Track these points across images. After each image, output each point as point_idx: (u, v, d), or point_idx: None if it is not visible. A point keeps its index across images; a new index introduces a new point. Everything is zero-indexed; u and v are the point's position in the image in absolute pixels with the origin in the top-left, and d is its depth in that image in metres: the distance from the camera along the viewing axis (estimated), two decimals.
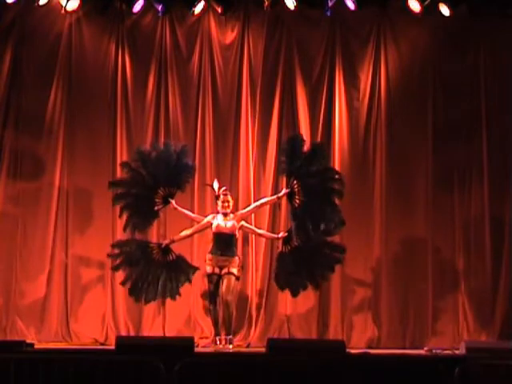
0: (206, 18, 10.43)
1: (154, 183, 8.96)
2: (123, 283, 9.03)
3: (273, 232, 9.71)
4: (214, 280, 8.76)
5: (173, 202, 8.96)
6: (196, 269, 9.03)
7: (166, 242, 9.03)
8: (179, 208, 9.03)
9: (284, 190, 8.99)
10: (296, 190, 8.87)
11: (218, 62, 10.42)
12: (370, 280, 10.16)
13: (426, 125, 10.36)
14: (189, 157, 9.22)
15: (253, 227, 9.38)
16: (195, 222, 9.19)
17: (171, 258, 8.97)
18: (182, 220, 9.38)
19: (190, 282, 9.00)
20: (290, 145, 9.06)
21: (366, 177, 10.34)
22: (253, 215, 9.79)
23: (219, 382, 5.74)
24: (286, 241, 9.01)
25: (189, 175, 9.13)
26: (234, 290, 8.80)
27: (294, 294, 9.11)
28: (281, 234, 9.14)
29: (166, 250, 8.97)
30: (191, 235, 9.26)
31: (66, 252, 10.06)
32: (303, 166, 8.89)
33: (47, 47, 10.31)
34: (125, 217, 9.01)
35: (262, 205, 9.36)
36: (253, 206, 9.35)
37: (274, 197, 9.28)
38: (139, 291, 8.88)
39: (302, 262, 8.90)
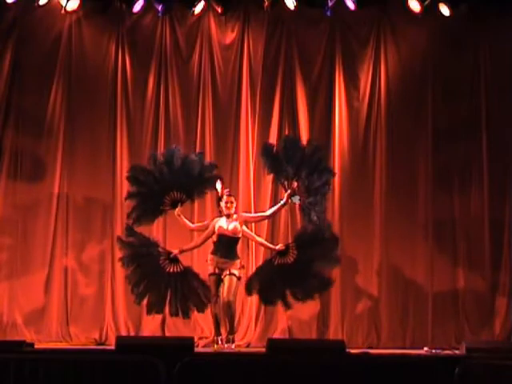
0: (205, 17, 10.43)
1: (170, 185, 8.73)
2: (136, 295, 8.73)
3: (272, 239, 9.67)
4: (215, 280, 8.67)
5: (178, 208, 8.74)
6: (208, 289, 8.69)
7: (176, 252, 8.78)
8: (182, 216, 8.78)
9: (285, 195, 8.78)
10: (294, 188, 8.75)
11: (217, 62, 10.43)
12: (370, 280, 10.16)
13: (426, 125, 10.36)
14: (213, 172, 8.91)
15: (253, 234, 9.18)
16: (195, 231, 9.16)
17: (179, 269, 8.75)
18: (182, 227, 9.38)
19: (203, 312, 8.84)
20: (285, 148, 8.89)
21: (366, 177, 10.34)
22: (252, 209, 9.88)
23: (219, 381, 5.74)
24: (281, 254, 8.83)
25: (208, 189, 8.92)
26: (235, 291, 8.69)
27: (265, 302, 9.02)
28: (278, 246, 8.91)
29: (174, 260, 8.76)
30: (200, 245, 9.06)
31: (66, 252, 10.07)
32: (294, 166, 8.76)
33: (47, 47, 10.31)
34: (132, 204, 8.81)
35: (270, 216, 9.17)
36: (260, 214, 9.22)
37: (279, 205, 8.95)
38: (144, 298, 8.69)
39: (284, 280, 8.71)
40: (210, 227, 8.82)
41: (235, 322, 8.91)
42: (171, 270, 8.71)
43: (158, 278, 8.69)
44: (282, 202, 8.87)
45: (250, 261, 9.92)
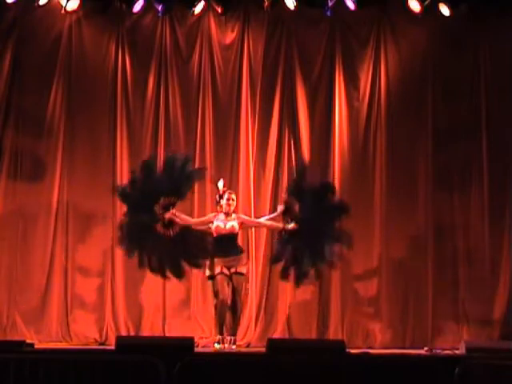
0: (205, 17, 10.44)
1: (157, 194, 8.67)
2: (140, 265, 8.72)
3: (272, 237, 9.63)
4: (223, 280, 8.61)
5: (173, 211, 8.68)
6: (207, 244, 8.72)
7: (168, 215, 8.65)
8: (177, 215, 8.69)
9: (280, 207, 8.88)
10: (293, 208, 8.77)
11: (217, 62, 10.43)
12: (370, 280, 10.16)
13: (426, 124, 10.36)
14: (192, 165, 9.01)
15: (254, 220, 9.23)
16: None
17: (176, 231, 8.71)
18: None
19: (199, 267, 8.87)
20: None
21: (366, 177, 10.34)
22: (252, 208, 9.92)
23: (219, 381, 5.74)
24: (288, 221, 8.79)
25: (190, 183, 8.90)
26: (242, 290, 8.76)
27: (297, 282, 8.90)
28: (291, 225, 8.78)
29: (169, 223, 8.68)
30: (193, 225, 8.90)
31: (66, 252, 10.07)
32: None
33: (47, 47, 10.31)
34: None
35: (267, 226, 9.21)
36: (258, 220, 9.21)
37: (276, 224, 8.97)
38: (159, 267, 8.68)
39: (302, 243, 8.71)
40: (208, 216, 8.91)
41: (239, 323, 8.91)
42: (168, 233, 8.69)
43: (155, 244, 8.64)
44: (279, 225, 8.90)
45: (250, 258, 9.85)
